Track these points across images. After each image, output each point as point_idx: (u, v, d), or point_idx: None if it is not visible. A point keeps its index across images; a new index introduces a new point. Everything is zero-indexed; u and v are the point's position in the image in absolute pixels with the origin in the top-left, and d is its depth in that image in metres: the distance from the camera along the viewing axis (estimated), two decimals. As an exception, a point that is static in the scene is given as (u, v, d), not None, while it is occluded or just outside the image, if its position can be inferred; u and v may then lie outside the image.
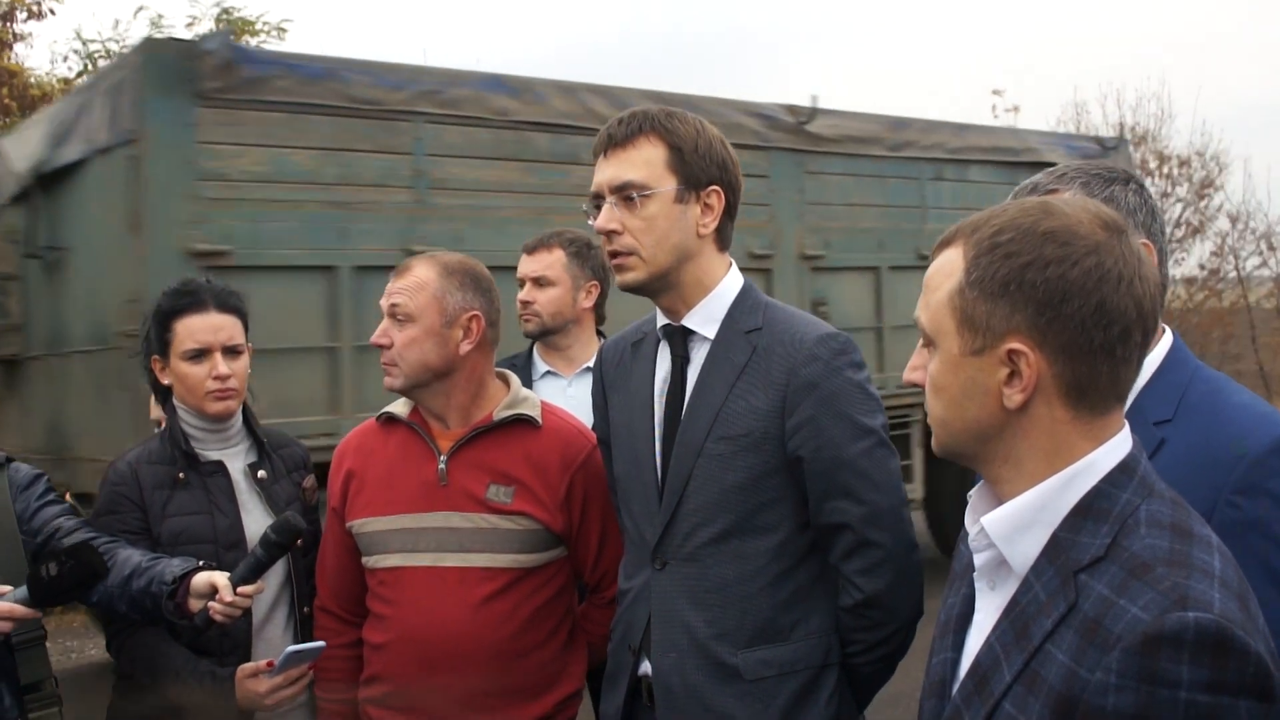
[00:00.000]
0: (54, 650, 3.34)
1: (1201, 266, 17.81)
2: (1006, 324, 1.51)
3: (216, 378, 3.07)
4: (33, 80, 8.61)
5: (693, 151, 2.57)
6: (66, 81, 8.80)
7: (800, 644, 2.58)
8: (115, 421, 6.07)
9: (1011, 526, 1.56)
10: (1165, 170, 17.58)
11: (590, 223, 2.66)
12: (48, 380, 7.10)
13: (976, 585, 1.66)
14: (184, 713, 2.92)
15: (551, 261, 4.13)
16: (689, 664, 2.58)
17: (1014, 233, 1.53)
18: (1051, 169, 2.27)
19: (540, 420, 3.00)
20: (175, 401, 3.16)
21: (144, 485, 3.06)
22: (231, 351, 3.11)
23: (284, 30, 9.28)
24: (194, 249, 5.80)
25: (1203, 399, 2.03)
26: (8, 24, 8.72)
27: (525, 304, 4.11)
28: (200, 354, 3.08)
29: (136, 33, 11.52)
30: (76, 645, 8.79)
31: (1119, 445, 1.55)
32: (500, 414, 2.98)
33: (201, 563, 2.82)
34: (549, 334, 4.15)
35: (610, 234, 2.59)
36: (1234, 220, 17.84)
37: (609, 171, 2.59)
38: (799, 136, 8.45)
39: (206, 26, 9.08)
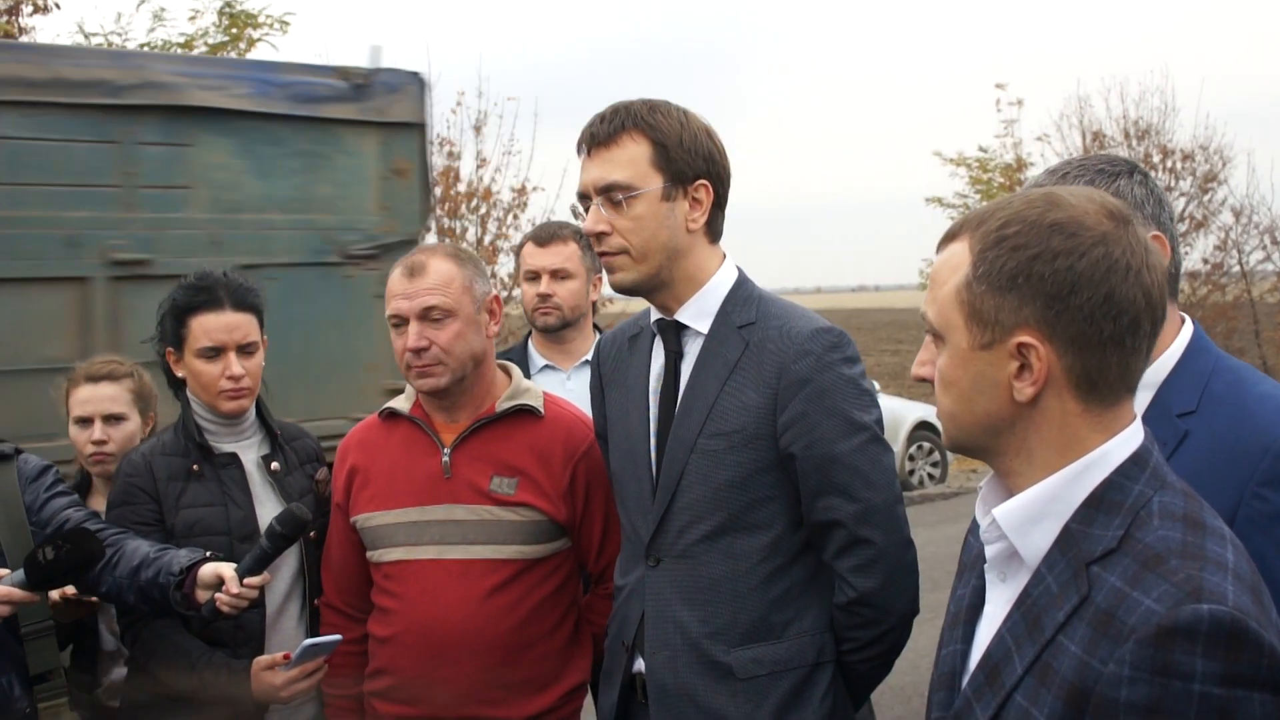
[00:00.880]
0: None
1: (1205, 261, 17.74)
2: (1015, 317, 1.51)
3: (230, 377, 3.09)
4: (36, 74, 8.58)
5: (677, 146, 2.54)
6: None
7: (793, 642, 2.56)
8: None
9: (1023, 518, 1.55)
10: (1169, 164, 17.51)
11: (578, 222, 2.64)
12: None
13: (987, 577, 1.65)
14: (199, 703, 2.93)
15: (569, 254, 4.11)
16: (681, 662, 2.57)
17: (1020, 225, 1.52)
18: (1053, 168, 2.25)
19: (543, 410, 3.00)
20: (189, 394, 3.18)
21: (158, 477, 3.08)
22: (245, 350, 3.12)
23: (286, 24, 9.26)
24: None
25: (1227, 390, 2.02)
26: (13, 18, 8.72)
27: (545, 297, 4.09)
28: (215, 352, 3.09)
29: (140, 25, 11.54)
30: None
31: (1131, 437, 1.54)
32: (503, 405, 2.98)
33: (209, 554, 2.83)
34: (566, 327, 4.14)
35: (599, 235, 2.57)
36: (1238, 214, 17.77)
37: (594, 172, 2.56)
38: None
39: (209, 19, 9.07)
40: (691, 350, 2.65)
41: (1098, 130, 17.96)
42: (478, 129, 13.18)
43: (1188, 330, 2.10)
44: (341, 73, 5.97)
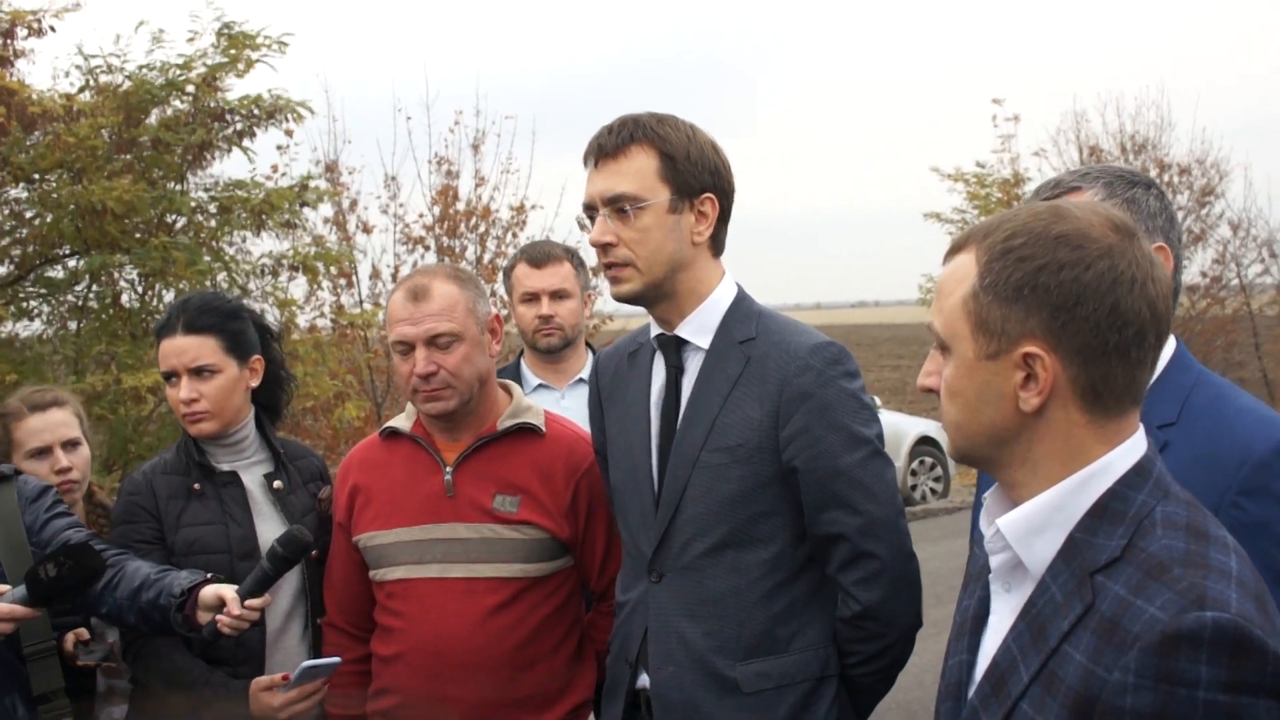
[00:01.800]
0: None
1: (1203, 274, 17.81)
2: (1021, 328, 1.51)
3: (181, 401, 3.07)
4: (33, 98, 8.60)
5: (685, 159, 2.55)
6: (69, 98, 8.79)
7: (798, 656, 2.56)
8: None
9: (1027, 528, 1.56)
10: (1166, 178, 17.57)
11: (584, 233, 2.65)
12: None
13: (992, 587, 1.66)
14: None
15: (565, 274, 4.11)
16: (687, 677, 2.57)
17: (1027, 236, 1.52)
18: (1076, 169, 2.28)
19: (544, 429, 2.99)
20: None
21: (159, 495, 3.09)
22: (199, 373, 3.07)
23: (285, 45, 9.26)
24: None
25: (1206, 403, 2.05)
26: (8, 41, 8.73)
27: (546, 318, 4.08)
28: (170, 376, 3.09)
29: (138, 47, 11.55)
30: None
31: (1134, 447, 1.55)
32: (504, 423, 2.98)
33: (210, 575, 2.82)
34: (567, 346, 4.13)
35: (605, 246, 2.58)
36: (1235, 228, 17.86)
37: (601, 183, 2.57)
38: None
39: (208, 41, 9.08)
40: (692, 366, 2.65)
41: (1094, 145, 18.03)
42: (476, 148, 13.20)
43: (1170, 346, 2.12)
44: None
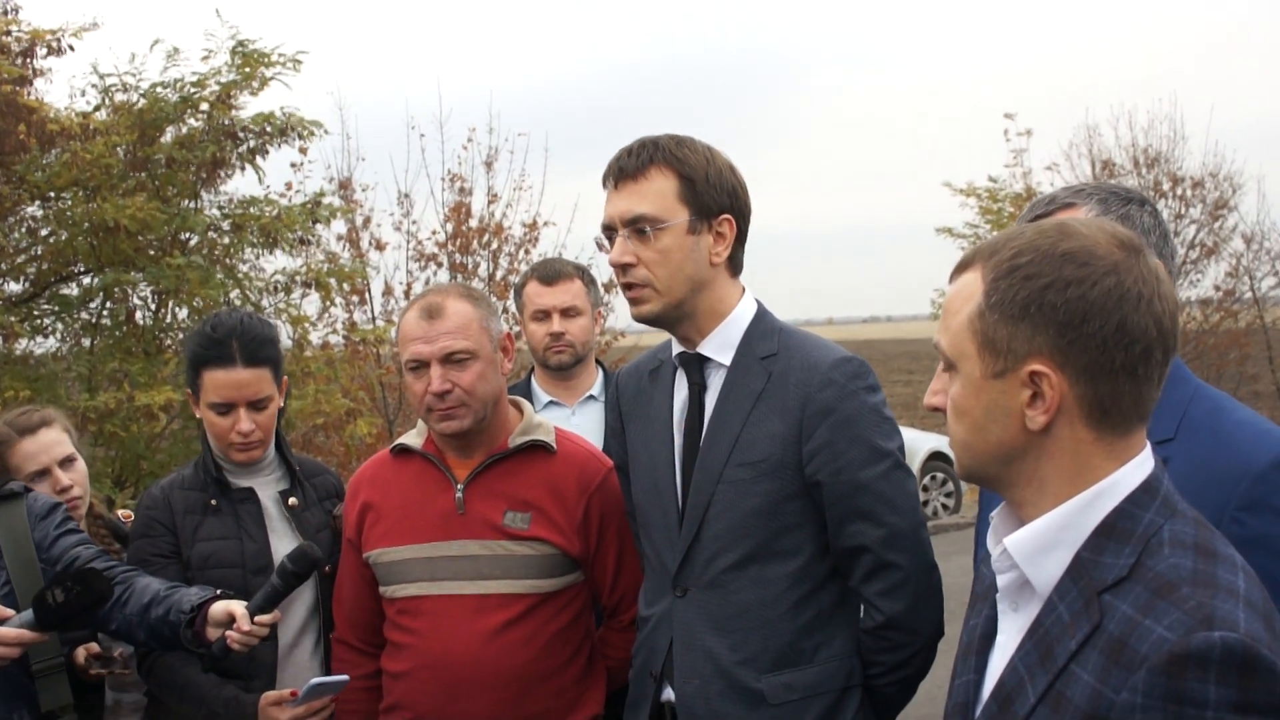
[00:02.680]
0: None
1: (1217, 288, 17.72)
2: (1028, 346, 1.51)
3: (239, 432, 3.10)
4: (51, 116, 8.66)
5: (704, 181, 2.58)
6: (85, 116, 8.85)
7: (823, 667, 2.59)
8: None
9: (1034, 547, 1.55)
10: (1179, 192, 17.50)
11: (603, 254, 2.67)
12: None
13: (999, 607, 1.65)
14: None
15: (576, 291, 4.13)
16: (713, 690, 2.59)
17: (1033, 254, 1.52)
18: (1070, 185, 2.28)
19: (555, 446, 3.01)
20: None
21: (175, 510, 3.12)
22: (256, 406, 3.12)
23: (299, 62, 9.31)
24: None
25: (1204, 417, 2.05)
26: (28, 60, 8.80)
27: (558, 336, 4.10)
28: (226, 408, 3.10)
29: (153, 66, 11.64)
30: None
31: (1141, 465, 1.55)
32: (515, 440, 2.99)
33: (219, 591, 2.84)
34: (577, 363, 4.15)
35: (625, 267, 2.60)
36: (1249, 241, 17.76)
37: (621, 204, 2.60)
38: None
39: (222, 59, 9.14)
40: (715, 382, 2.68)
41: (1107, 159, 17.96)
42: (489, 165, 13.21)
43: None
44: None
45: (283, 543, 3.11)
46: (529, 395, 4.15)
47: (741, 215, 2.65)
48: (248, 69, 9.11)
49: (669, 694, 2.68)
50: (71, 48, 8.94)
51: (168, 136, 9.12)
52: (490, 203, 13.10)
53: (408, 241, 12.90)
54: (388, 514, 3.01)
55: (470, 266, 12.82)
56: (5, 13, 8.99)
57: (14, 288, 9.25)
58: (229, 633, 2.71)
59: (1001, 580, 1.62)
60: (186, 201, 9.26)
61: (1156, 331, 1.50)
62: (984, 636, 1.70)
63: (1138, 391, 1.51)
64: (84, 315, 9.38)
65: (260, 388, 3.12)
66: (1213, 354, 16.71)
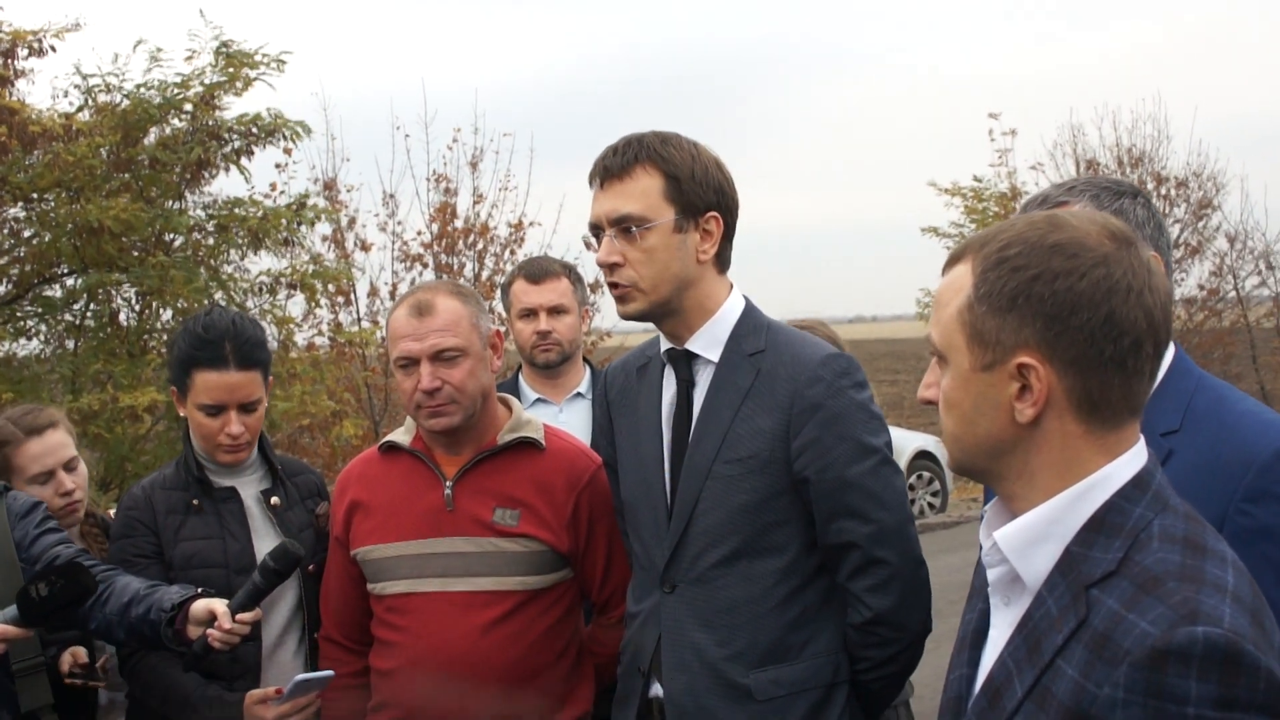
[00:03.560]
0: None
1: (1201, 287, 17.80)
2: (1016, 338, 1.51)
3: (228, 434, 3.08)
4: (33, 117, 8.62)
5: (689, 179, 2.58)
6: (67, 117, 8.81)
7: (810, 663, 2.59)
8: None
9: (1024, 541, 1.55)
10: (1163, 191, 17.58)
11: (590, 251, 2.67)
12: None
13: (991, 601, 1.65)
14: None
15: (563, 289, 4.14)
16: (700, 685, 2.59)
17: (1021, 246, 1.52)
18: (1061, 182, 2.29)
19: (544, 443, 3.00)
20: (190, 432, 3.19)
21: (157, 510, 3.10)
22: (247, 408, 3.10)
23: (283, 63, 9.28)
24: None
25: (1209, 408, 2.05)
26: (9, 61, 8.75)
27: (544, 334, 4.10)
28: (216, 410, 3.08)
29: (136, 66, 11.59)
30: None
31: (1133, 459, 1.54)
32: (504, 437, 2.98)
33: (200, 590, 2.83)
34: (564, 361, 4.15)
35: (612, 266, 2.60)
36: (1232, 240, 17.86)
37: (607, 204, 2.60)
38: None
39: (205, 60, 9.10)
40: (703, 379, 2.68)
41: (1091, 159, 18.03)
42: (474, 165, 13.20)
43: (1170, 351, 2.11)
44: None
45: (265, 542, 3.09)
46: (516, 393, 4.14)
47: (728, 212, 2.65)
48: (232, 70, 9.09)
49: (657, 690, 2.68)
50: (53, 48, 8.90)
51: (151, 137, 9.09)
52: (476, 203, 13.11)
53: (393, 242, 12.90)
54: (376, 511, 3.00)
55: (456, 267, 12.81)
56: (-14, 13, 8.95)
57: (-3, 290, 9.21)
58: (210, 631, 2.70)
59: (991, 574, 1.62)
60: (170, 202, 9.23)
61: (1147, 324, 1.49)
62: (977, 631, 1.70)
63: (1128, 384, 1.50)
64: (67, 317, 9.34)
65: (252, 390, 3.10)
66: (1197, 353, 16.77)
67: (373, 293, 12.55)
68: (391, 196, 12.99)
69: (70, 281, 9.22)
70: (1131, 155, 17.84)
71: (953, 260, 1.62)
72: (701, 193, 2.59)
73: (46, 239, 8.85)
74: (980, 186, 18.57)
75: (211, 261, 9.37)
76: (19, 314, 9.20)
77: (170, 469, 3.22)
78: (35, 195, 8.85)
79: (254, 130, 9.17)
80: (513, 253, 12.91)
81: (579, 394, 4.17)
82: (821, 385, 2.56)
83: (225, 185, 10.55)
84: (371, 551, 2.98)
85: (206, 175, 9.29)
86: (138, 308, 9.42)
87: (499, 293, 4.68)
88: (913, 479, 14.38)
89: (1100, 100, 32.96)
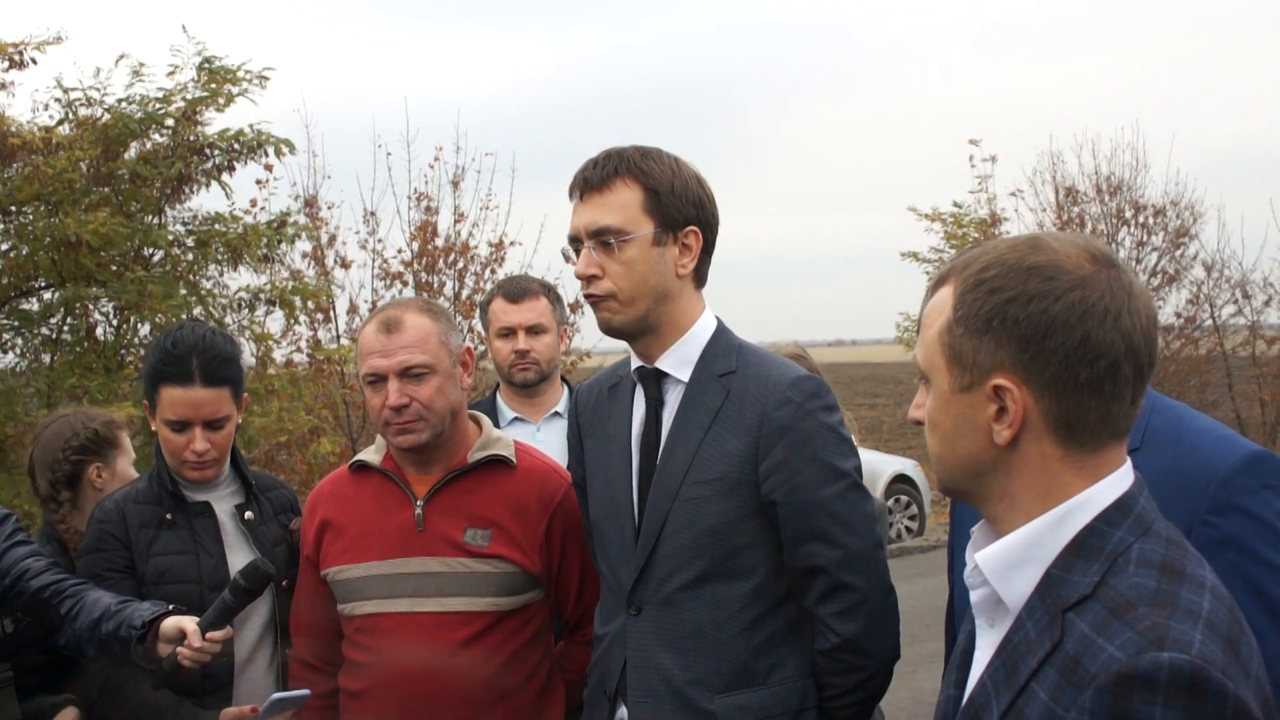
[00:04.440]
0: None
1: (1178, 315, 17.89)
2: (992, 360, 1.51)
3: (194, 451, 3.06)
4: (13, 129, 8.58)
5: (669, 193, 2.57)
6: (47, 130, 8.77)
7: (777, 689, 2.56)
8: None
9: (1004, 563, 1.54)
10: (1140, 220, 17.70)
11: (569, 264, 2.67)
12: None
13: (977, 622, 1.64)
14: None
15: (542, 309, 4.13)
16: (665, 710, 2.56)
17: (1000, 268, 1.52)
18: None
19: (515, 460, 2.99)
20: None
21: (130, 524, 3.07)
22: (213, 425, 3.07)
23: (266, 79, 9.26)
24: None
25: (1166, 426, 2.09)
26: (-11, 73, 8.72)
27: (523, 353, 4.09)
28: (181, 425, 3.06)
29: (118, 81, 11.54)
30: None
31: (1116, 482, 1.53)
32: (475, 455, 2.96)
33: (171, 607, 2.80)
34: (542, 381, 4.14)
35: (590, 279, 2.59)
36: (1209, 269, 17.94)
37: (586, 216, 2.59)
38: None
39: (188, 75, 9.07)
40: (672, 398, 2.66)
41: (1070, 186, 18.15)
42: (455, 184, 13.19)
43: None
44: None
45: (239, 557, 3.07)
46: (494, 412, 4.14)
47: (708, 227, 2.64)
48: (214, 85, 9.06)
49: (623, 713, 2.65)
50: (34, 61, 8.86)
51: (132, 152, 9.05)
52: (457, 222, 13.10)
53: (373, 260, 12.87)
54: (347, 531, 2.97)
55: (436, 285, 12.79)
56: (-33, 26, 8.90)
57: (-27, 303, 9.14)
58: (180, 649, 2.68)
59: (974, 596, 1.61)
60: (150, 217, 9.18)
61: (1125, 347, 1.48)
62: (965, 652, 1.69)
63: (1105, 408, 1.50)
64: (44, 330, 9.26)
65: (218, 407, 3.08)
66: (1173, 380, 16.86)
67: (352, 310, 12.51)
68: (373, 214, 12.98)
69: (48, 295, 9.15)
70: (1110, 183, 17.96)
71: (938, 282, 1.62)
72: (681, 207, 2.58)
73: (24, 252, 8.79)
74: (960, 212, 18.65)
75: (190, 277, 9.33)
76: (-5, 327, 9.13)
77: (143, 482, 3.19)
78: (13, 208, 8.79)
79: (236, 146, 9.14)
80: (493, 272, 12.91)
81: (557, 413, 4.16)
82: (791, 407, 2.54)
83: (206, 201, 10.52)
84: (342, 572, 2.95)
85: (187, 191, 9.25)
86: (115, 322, 9.35)
87: (478, 311, 4.68)
88: (890, 503, 14.39)
89: (1079, 128, 33.19)
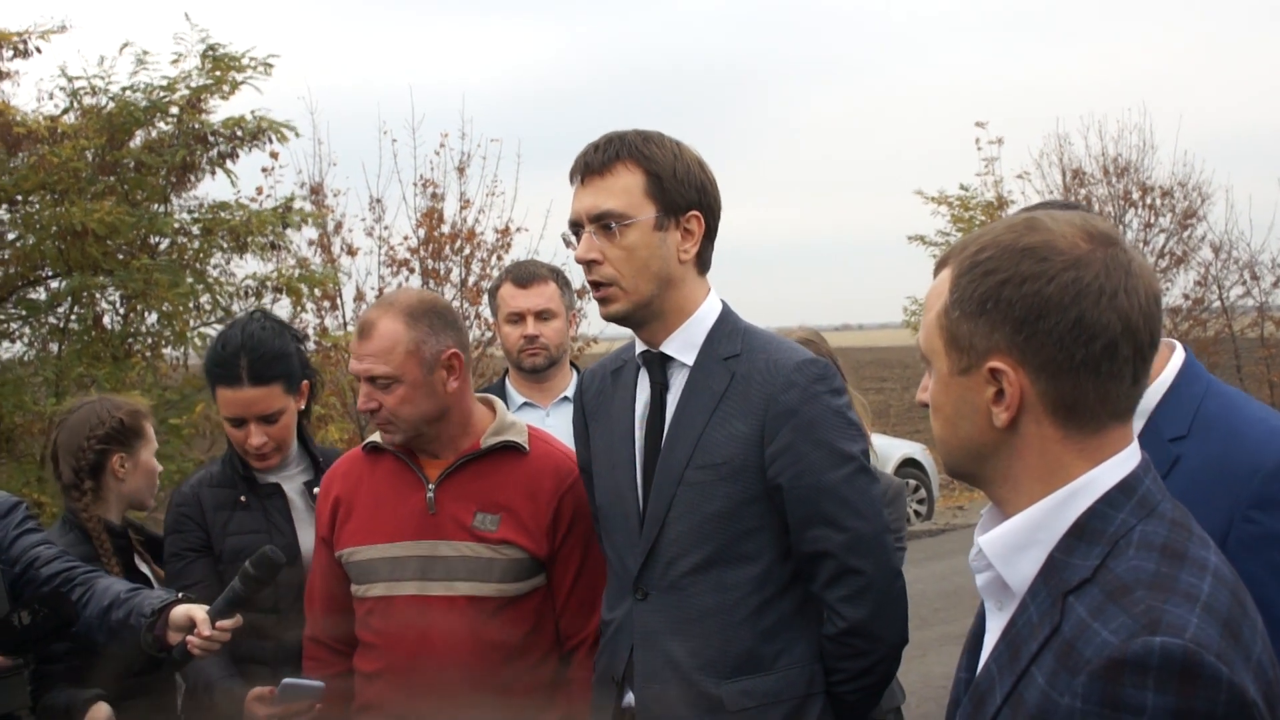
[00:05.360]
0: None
1: (1186, 296, 17.86)
2: (987, 342, 1.50)
3: (251, 445, 3.22)
4: (19, 119, 8.59)
5: (671, 177, 2.55)
6: (53, 120, 8.77)
7: (783, 674, 2.56)
8: None
9: (1007, 547, 1.53)
10: (1148, 201, 17.65)
11: (570, 249, 2.66)
12: None
13: (986, 605, 1.64)
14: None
15: (550, 294, 4.13)
16: (671, 695, 2.56)
17: (994, 250, 1.51)
18: (1027, 206, 2.28)
19: (528, 446, 2.98)
20: None
21: (205, 507, 3.28)
22: (267, 419, 3.23)
23: (270, 66, 9.26)
24: None
25: (1218, 414, 2.03)
26: (-7, 62, 8.72)
27: (532, 339, 4.09)
28: (237, 422, 3.24)
29: (123, 69, 11.53)
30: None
31: (1120, 464, 1.51)
32: (487, 441, 2.96)
33: (181, 594, 2.83)
34: (551, 366, 4.14)
35: (590, 264, 2.57)
36: (1217, 250, 17.89)
37: (587, 200, 2.57)
38: None
39: (192, 63, 9.07)
40: (677, 382, 2.65)
41: (1077, 168, 18.10)
42: (461, 170, 13.17)
43: (1179, 357, 2.10)
44: None
45: (310, 533, 3.22)
46: (502, 397, 4.13)
47: (710, 212, 2.63)
48: (218, 73, 9.06)
49: (630, 699, 2.65)
50: (39, 50, 8.88)
51: (137, 140, 9.06)
52: (463, 208, 13.08)
53: (380, 247, 12.86)
54: (359, 511, 2.99)
55: (443, 272, 12.78)
56: (-29, 15, 8.90)
57: (-20, 292, 9.16)
58: (190, 638, 2.70)
59: (979, 579, 1.60)
60: (155, 206, 9.19)
61: (1122, 327, 1.46)
62: (975, 635, 1.69)
63: (1103, 388, 1.48)
64: (51, 320, 9.30)
65: (268, 404, 3.23)
66: (1181, 362, 16.82)
67: (359, 297, 12.50)
68: (378, 201, 12.97)
69: (54, 284, 9.18)
70: (1117, 165, 17.91)
71: (940, 265, 1.62)
72: (683, 191, 2.57)
73: (31, 241, 8.81)
74: (967, 195, 18.62)
75: (197, 265, 9.34)
76: (3, 316, 9.15)
77: (217, 466, 3.41)
78: (20, 197, 8.81)
79: (240, 133, 9.14)
80: (499, 258, 12.89)
81: (566, 398, 4.15)
82: (797, 390, 2.52)
83: (211, 189, 10.54)
84: (355, 553, 2.96)
85: (192, 179, 9.26)
86: (122, 311, 9.38)
87: (487, 296, 4.67)
88: (899, 486, 14.38)
89: (1086, 110, 33.06)
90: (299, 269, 9.99)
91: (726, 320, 2.66)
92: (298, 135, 9.45)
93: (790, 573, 2.59)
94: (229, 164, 9.28)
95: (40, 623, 2.59)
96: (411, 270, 12.77)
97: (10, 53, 8.83)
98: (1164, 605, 1.35)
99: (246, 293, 9.41)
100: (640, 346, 2.71)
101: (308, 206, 10.95)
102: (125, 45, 9.17)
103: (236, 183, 9.42)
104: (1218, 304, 18.04)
